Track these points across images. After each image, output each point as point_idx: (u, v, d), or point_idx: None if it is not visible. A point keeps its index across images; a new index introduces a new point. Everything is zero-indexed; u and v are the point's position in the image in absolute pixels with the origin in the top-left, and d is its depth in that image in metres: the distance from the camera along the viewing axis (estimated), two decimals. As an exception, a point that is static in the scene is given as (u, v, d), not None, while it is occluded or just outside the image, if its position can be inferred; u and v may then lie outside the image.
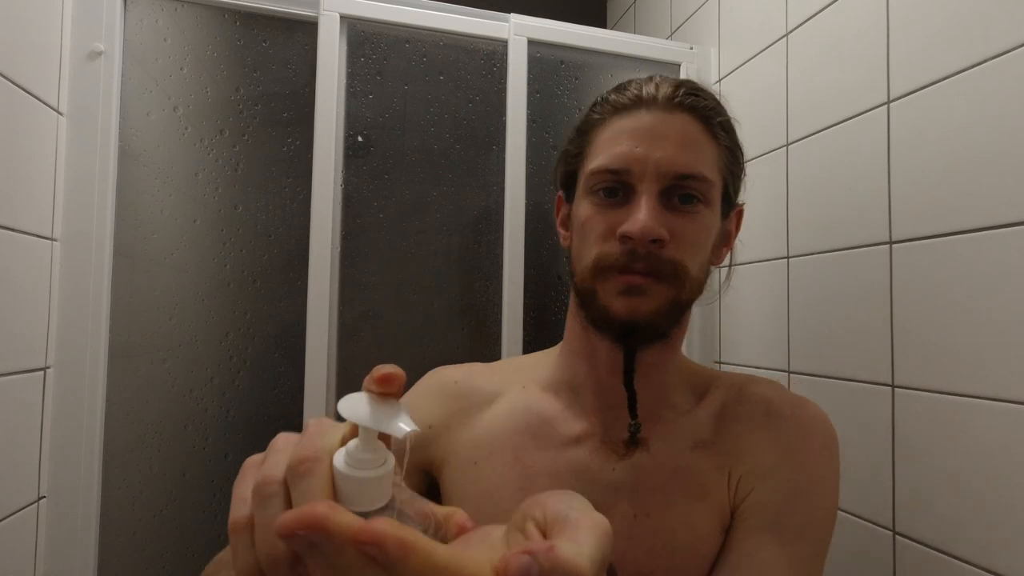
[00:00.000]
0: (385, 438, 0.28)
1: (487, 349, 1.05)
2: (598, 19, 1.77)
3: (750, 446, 0.59)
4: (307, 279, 0.96)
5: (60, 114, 0.85)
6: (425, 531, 0.27)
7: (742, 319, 1.12)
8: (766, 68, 1.06)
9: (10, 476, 0.75)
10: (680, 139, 0.55)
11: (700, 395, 0.65)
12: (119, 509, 0.88)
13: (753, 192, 1.09)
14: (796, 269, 0.98)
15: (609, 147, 0.57)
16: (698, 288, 0.59)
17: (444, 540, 0.27)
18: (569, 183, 0.64)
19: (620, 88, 0.60)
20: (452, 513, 0.29)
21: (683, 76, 1.18)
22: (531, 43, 1.08)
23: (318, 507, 0.22)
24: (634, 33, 1.56)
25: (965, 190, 0.70)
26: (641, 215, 0.53)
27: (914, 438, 0.76)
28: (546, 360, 0.68)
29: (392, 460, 0.27)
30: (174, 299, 0.93)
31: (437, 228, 1.05)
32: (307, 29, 0.99)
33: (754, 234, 1.08)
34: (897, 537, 0.78)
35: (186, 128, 0.94)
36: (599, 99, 0.62)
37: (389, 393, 0.29)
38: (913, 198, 0.77)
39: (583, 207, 0.59)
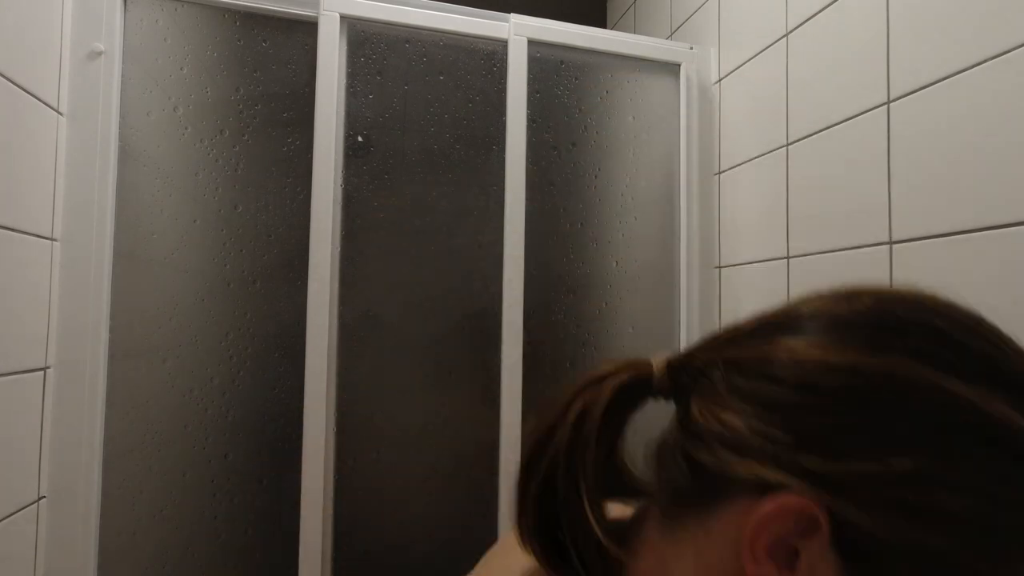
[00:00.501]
0: None
1: (487, 349, 1.05)
2: (598, 19, 1.77)
3: None
4: (307, 279, 0.96)
5: (60, 114, 0.85)
6: None
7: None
8: (766, 68, 1.06)
9: (10, 476, 0.75)
10: None
11: None
12: (119, 509, 0.88)
13: (753, 192, 1.09)
14: (796, 269, 0.98)
15: None
16: None
17: None
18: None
19: None
20: None
21: (683, 76, 1.18)
22: (531, 43, 1.08)
23: None
24: (634, 33, 1.56)
25: (965, 190, 0.70)
26: None
27: (914, 438, 0.76)
28: None
29: None
30: (174, 299, 0.93)
31: (437, 228, 1.05)
32: (307, 29, 0.99)
33: (754, 234, 1.08)
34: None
35: (186, 128, 0.94)
36: None
37: None
38: (913, 198, 0.77)
39: None
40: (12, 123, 0.74)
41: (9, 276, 0.74)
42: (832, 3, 0.91)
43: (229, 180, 0.96)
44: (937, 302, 0.35)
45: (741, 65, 1.13)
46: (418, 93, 1.05)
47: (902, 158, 0.79)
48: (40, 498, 0.82)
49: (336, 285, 0.99)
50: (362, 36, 1.02)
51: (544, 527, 0.35)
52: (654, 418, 0.37)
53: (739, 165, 1.13)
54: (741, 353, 0.33)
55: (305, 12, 0.98)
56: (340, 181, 1.00)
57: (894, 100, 0.80)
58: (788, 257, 0.99)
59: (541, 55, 1.10)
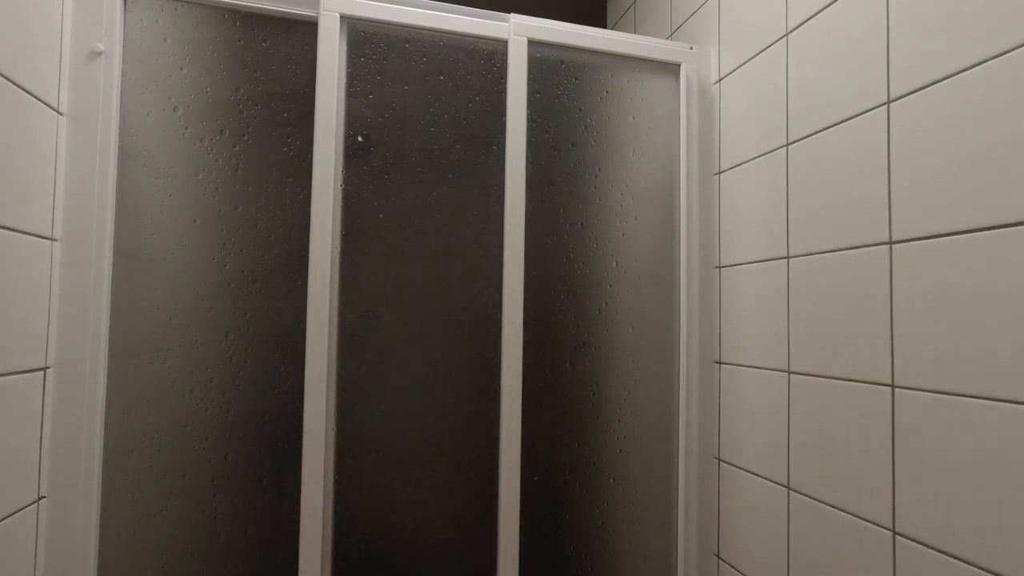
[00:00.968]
0: None
1: (487, 349, 1.05)
2: (598, 19, 1.77)
3: None
4: (307, 279, 0.96)
5: (60, 114, 0.85)
6: None
7: (742, 319, 1.12)
8: (766, 68, 1.06)
9: (10, 476, 0.75)
10: None
11: None
12: (119, 509, 0.88)
13: (753, 192, 1.09)
14: (796, 269, 0.98)
15: None
16: None
17: None
18: None
19: None
20: None
21: (683, 76, 1.19)
22: (531, 43, 1.08)
23: None
24: (634, 33, 1.56)
25: (965, 190, 0.70)
26: None
27: (914, 438, 0.76)
28: None
29: None
30: (174, 299, 0.93)
31: (437, 228, 1.05)
32: (307, 29, 0.99)
33: (754, 234, 1.08)
34: (897, 537, 0.78)
35: (186, 128, 0.94)
36: None
37: None
38: (913, 198, 0.77)
39: None
40: (12, 123, 0.74)
41: (9, 276, 0.74)
42: (832, 3, 0.91)
43: (229, 180, 0.96)
44: None
45: (741, 65, 1.13)
46: (418, 93, 1.05)
47: (902, 158, 0.79)
48: (40, 498, 0.82)
49: (336, 285, 0.99)
50: (362, 36, 1.02)
51: None
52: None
53: (739, 165, 1.13)
54: None
55: (305, 12, 0.98)
56: (340, 181, 1.00)
57: (894, 100, 0.80)
58: (788, 257, 0.99)
59: (541, 55, 1.10)
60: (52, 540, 0.83)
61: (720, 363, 1.17)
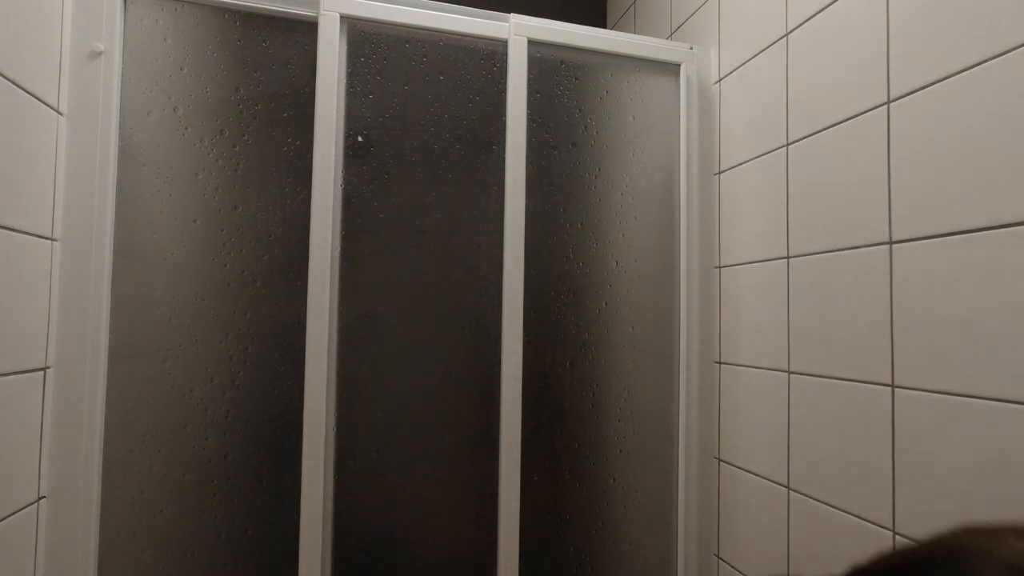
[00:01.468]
0: None
1: (487, 349, 1.05)
2: (598, 19, 1.77)
3: None
4: (307, 279, 0.96)
5: (60, 114, 0.85)
6: None
7: (742, 319, 1.12)
8: (766, 68, 1.06)
9: (10, 476, 0.75)
10: None
11: None
12: (119, 509, 0.88)
13: (753, 192, 1.09)
14: (796, 269, 0.98)
15: None
16: None
17: None
18: None
19: None
20: None
21: (683, 76, 1.19)
22: (531, 43, 1.08)
23: None
24: (634, 33, 1.56)
25: (965, 190, 0.70)
26: None
27: (914, 438, 0.76)
28: None
29: None
30: (174, 299, 0.93)
31: (437, 228, 1.05)
32: (307, 29, 0.99)
33: (754, 234, 1.08)
34: (897, 537, 0.78)
35: (186, 128, 0.94)
36: None
37: None
38: (913, 198, 0.77)
39: None
40: (12, 123, 0.74)
41: (9, 276, 0.74)
42: (832, 3, 0.91)
43: (229, 180, 0.96)
44: None
45: (741, 65, 1.13)
46: (418, 93, 1.05)
47: (902, 158, 0.79)
48: (40, 498, 0.82)
49: (336, 285, 0.99)
50: (362, 36, 1.02)
51: None
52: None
53: (739, 165, 1.13)
54: None
55: (305, 12, 0.98)
56: (340, 181, 1.00)
57: (894, 100, 0.80)
58: (788, 257, 0.99)
59: (541, 55, 1.10)
60: (52, 540, 0.83)
61: (720, 363, 1.17)
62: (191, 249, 0.94)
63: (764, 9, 1.06)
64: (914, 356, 0.76)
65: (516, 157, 1.06)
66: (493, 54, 1.08)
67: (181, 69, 0.95)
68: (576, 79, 1.14)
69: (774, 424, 1.01)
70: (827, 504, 0.89)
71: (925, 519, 0.74)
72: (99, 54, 0.87)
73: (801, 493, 0.94)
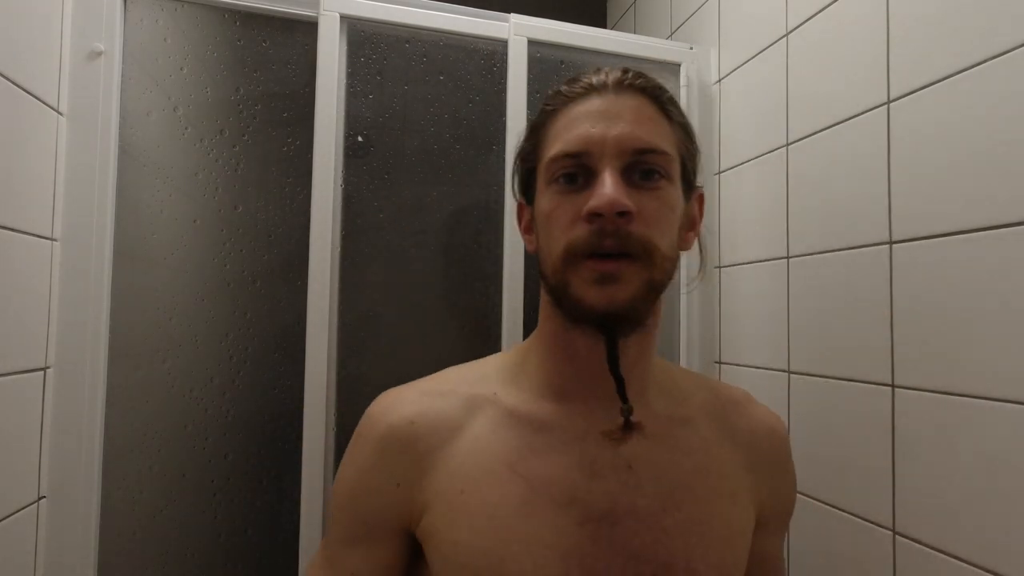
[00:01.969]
0: None
1: (487, 349, 1.05)
2: (598, 19, 1.77)
3: (768, 471, 0.66)
4: (307, 279, 0.96)
5: (60, 114, 0.85)
6: None
7: (742, 319, 1.12)
8: (766, 68, 1.06)
9: (10, 476, 0.75)
10: (634, 116, 0.56)
11: (685, 392, 0.66)
12: (119, 509, 0.88)
13: (753, 192, 1.09)
14: (796, 269, 0.98)
15: (565, 133, 0.57)
16: (670, 269, 0.57)
17: None
18: (528, 186, 0.63)
19: (570, 80, 0.60)
20: None
21: (683, 76, 1.19)
22: (531, 43, 1.08)
23: None
24: (634, 33, 1.56)
25: (965, 190, 0.70)
26: (606, 189, 0.52)
27: (914, 438, 0.76)
28: (513, 365, 0.66)
29: None
30: (174, 299, 0.93)
31: (437, 228, 1.05)
32: (307, 29, 0.99)
33: (754, 234, 1.08)
34: (897, 537, 0.78)
35: (186, 128, 0.94)
36: (550, 92, 0.61)
37: None
38: (913, 198, 0.77)
39: (545, 200, 0.58)
40: (12, 123, 0.74)
41: (9, 276, 0.74)
42: (832, 3, 0.91)
43: (229, 180, 0.96)
44: None
45: (741, 65, 1.13)
46: (418, 93, 1.05)
47: (902, 158, 0.79)
48: (40, 498, 0.82)
49: (336, 285, 0.99)
50: (362, 36, 1.02)
51: None
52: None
53: (739, 165, 1.13)
54: None
55: (305, 12, 0.98)
56: (340, 181, 1.00)
57: (894, 100, 0.80)
58: (788, 257, 0.99)
59: (541, 55, 1.10)
60: (52, 540, 0.83)
61: (720, 363, 1.17)
62: (191, 249, 0.94)
63: (764, 9, 1.06)
64: (914, 356, 0.76)
65: (516, 157, 1.06)
66: (493, 54, 1.08)
67: (181, 69, 0.95)
68: (576, 79, 1.14)
69: (774, 424, 1.01)
70: (827, 504, 0.89)
71: (925, 519, 0.74)
72: (99, 54, 0.87)
73: (801, 493, 0.94)
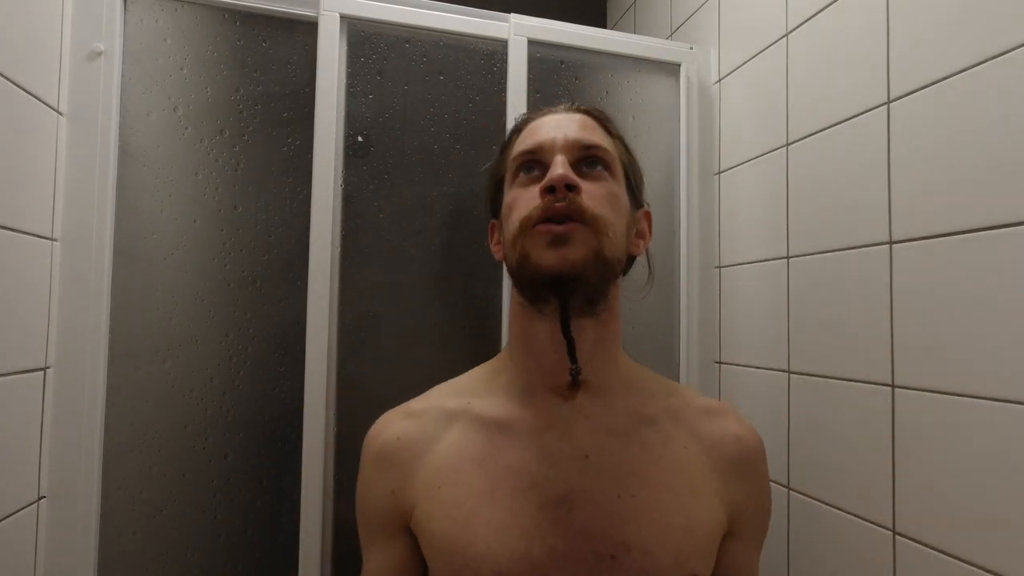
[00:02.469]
0: None
1: (487, 349, 1.05)
2: (598, 19, 1.77)
3: (736, 477, 0.67)
4: (307, 279, 0.96)
5: (60, 114, 0.85)
6: None
7: (742, 319, 1.12)
8: (766, 68, 1.06)
9: (10, 476, 0.75)
10: (580, 125, 0.68)
11: (651, 393, 0.71)
12: (119, 509, 0.88)
13: (753, 192, 1.09)
14: (796, 269, 0.98)
15: (526, 140, 0.68)
16: (620, 254, 0.64)
17: None
18: (497, 202, 0.73)
19: (531, 109, 0.75)
20: None
21: (683, 76, 1.19)
22: (531, 43, 1.08)
23: None
24: (634, 33, 1.56)
25: (965, 190, 0.70)
26: (557, 168, 0.61)
27: (914, 438, 0.76)
28: (492, 372, 0.74)
29: None
30: (174, 299, 0.93)
31: (437, 228, 1.05)
32: (307, 29, 0.99)
33: (754, 234, 1.08)
34: (897, 537, 0.78)
35: (186, 128, 0.94)
36: (516, 119, 0.75)
37: None
38: (913, 198, 0.77)
39: (508, 196, 0.68)
40: (12, 123, 0.74)
41: (9, 276, 0.74)
42: (832, 3, 0.91)
43: (229, 180, 0.96)
44: None
45: (741, 65, 1.13)
46: (418, 93, 1.05)
47: (902, 158, 0.79)
48: (40, 498, 0.82)
49: (336, 285, 0.99)
50: (362, 36, 1.02)
51: None
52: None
53: (739, 165, 1.13)
54: None
55: (305, 12, 0.98)
56: (340, 181, 1.00)
57: (894, 100, 0.80)
58: (788, 257, 0.99)
59: (541, 55, 1.10)
60: (52, 540, 0.83)
61: (720, 363, 1.17)
62: (191, 249, 0.94)
63: (764, 9, 1.06)
64: (914, 356, 0.76)
65: (516, 157, 1.06)
66: (493, 54, 1.08)
67: (181, 69, 0.95)
68: (576, 79, 1.14)
69: (774, 424, 1.01)
70: (827, 504, 0.89)
71: (925, 519, 0.74)
72: (99, 54, 0.87)
73: (801, 493, 0.94)
